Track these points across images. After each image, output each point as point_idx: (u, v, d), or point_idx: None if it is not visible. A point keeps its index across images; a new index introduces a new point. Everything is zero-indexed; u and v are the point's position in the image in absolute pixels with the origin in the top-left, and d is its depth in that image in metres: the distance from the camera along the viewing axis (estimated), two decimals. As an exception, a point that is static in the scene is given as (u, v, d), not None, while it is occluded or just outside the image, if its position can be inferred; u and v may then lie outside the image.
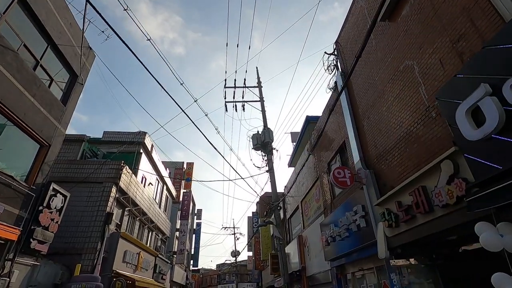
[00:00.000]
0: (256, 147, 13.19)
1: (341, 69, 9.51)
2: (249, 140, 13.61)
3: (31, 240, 7.48)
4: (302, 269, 12.65)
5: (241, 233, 39.31)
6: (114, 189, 11.45)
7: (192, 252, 37.47)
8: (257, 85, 15.10)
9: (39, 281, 8.04)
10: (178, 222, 26.25)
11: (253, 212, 30.98)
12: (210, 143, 8.73)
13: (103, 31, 10.39)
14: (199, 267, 48.53)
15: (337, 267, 9.18)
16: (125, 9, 6.33)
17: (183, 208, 26.80)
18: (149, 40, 6.04)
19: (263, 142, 12.95)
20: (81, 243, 10.07)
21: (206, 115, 8.80)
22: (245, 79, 14.66)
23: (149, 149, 15.99)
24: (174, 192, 22.75)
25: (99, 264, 9.89)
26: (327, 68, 10.07)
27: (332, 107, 7.60)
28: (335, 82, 9.64)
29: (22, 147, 7.88)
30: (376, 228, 6.43)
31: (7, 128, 7.19)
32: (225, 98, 15.01)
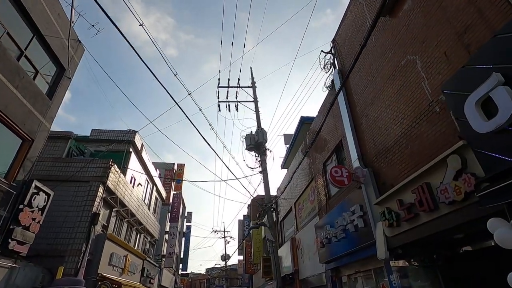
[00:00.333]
0: (249, 148, 12.95)
1: (338, 67, 9.37)
2: (243, 141, 13.36)
3: (10, 240, 6.99)
4: (295, 272, 12.37)
5: (231, 237, 38.80)
6: (101, 189, 10.99)
7: (181, 256, 36.75)
8: (251, 85, 14.89)
9: (17, 285, 7.52)
10: (168, 224, 25.67)
11: (244, 215, 30.61)
12: (203, 138, 8.43)
13: (93, 25, 10.04)
14: (188, 271, 47.73)
15: (332, 269, 8.94)
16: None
17: (173, 210, 26.24)
18: (141, 25, 5.75)
19: (256, 142, 12.71)
20: (65, 244, 9.56)
21: (200, 109, 8.51)
22: (239, 79, 14.43)
23: (139, 148, 15.53)
24: (164, 194, 22.21)
25: (84, 267, 9.40)
26: (324, 67, 9.94)
27: (330, 105, 7.42)
28: (332, 81, 9.49)
29: (2, 141, 7.41)
30: (375, 228, 6.22)
31: (-14, 120, 6.75)
32: (218, 98, 14.75)
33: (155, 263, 18.96)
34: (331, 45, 9.91)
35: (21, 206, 7.38)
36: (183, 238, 37.66)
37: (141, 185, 16.64)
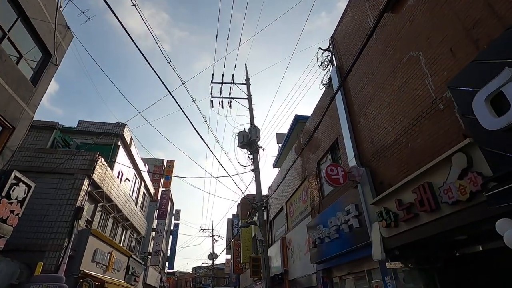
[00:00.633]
0: (242, 145, 12.71)
1: (336, 65, 9.21)
2: (235, 138, 13.11)
3: (-15, 233, 6.56)
4: (285, 273, 12.18)
5: (219, 236, 38.43)
6: (86, 182, 10.52)
7: (168, 254, 36.17)
8: (245, 82, 14.64)
9: (-8, 281, 7.08)
10: (155, 221, 25.13)
11: (233, 214, 30.32)
12: (196, 130, 8.13)
13: (83, 12, 9.60)
14: (175, 269, 47.09)
15: (323, 270, 8.77)
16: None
17: (160, 207, 25.70)
18: (134, 5, 5.42)
19: (249, 140, 12.48)
20: (45, 239, 9.08)
21: (193, 101, 8.21)
22: (233, 75, 14.12)
23: (128, 142, 15.05)
24: (152, 190, 21.70)
25: (65, 263, 8.95)
26: (321, 64, 9.77)
27: (329, 102, 7.24)
28: (329, 78, 9.32)
29: (-20, 127, 6.95)
30: (371, 229, 6.06)
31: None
32: (211, 94, 14.45)
33: (141, 260, 18.47)
34: (329, 42, 9.74)
35: (-2, 197, 6.93)
36: (171, 236, 37.09)
37: (129, 180, 16.15)
